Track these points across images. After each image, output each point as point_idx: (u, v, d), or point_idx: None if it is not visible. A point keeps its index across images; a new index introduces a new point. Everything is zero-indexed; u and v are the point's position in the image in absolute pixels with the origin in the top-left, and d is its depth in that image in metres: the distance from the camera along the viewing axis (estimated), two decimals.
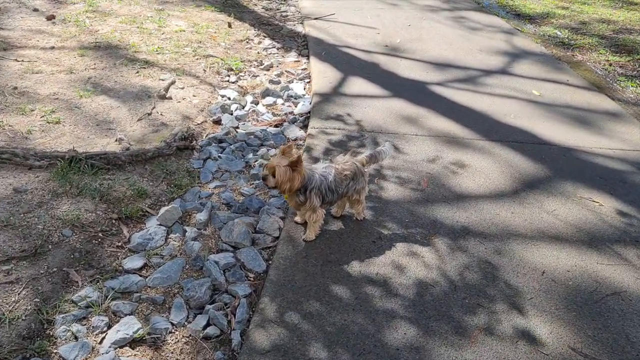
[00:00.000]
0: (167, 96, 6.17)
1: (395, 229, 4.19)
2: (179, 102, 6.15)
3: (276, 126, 5.92)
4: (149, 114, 5.73)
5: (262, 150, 5.34)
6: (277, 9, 10.42)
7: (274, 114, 6.23)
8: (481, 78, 7.46)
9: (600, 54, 8.82)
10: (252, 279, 3.75)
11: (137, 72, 6.69)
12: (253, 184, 4.86)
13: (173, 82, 6.52)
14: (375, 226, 4.22)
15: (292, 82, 7.17)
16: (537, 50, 8.82)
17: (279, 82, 7.07)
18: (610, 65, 8.33)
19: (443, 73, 7.54)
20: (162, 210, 4.17)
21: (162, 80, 6.55)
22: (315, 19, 9.73)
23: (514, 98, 6.84)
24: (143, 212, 4.26)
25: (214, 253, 3.95)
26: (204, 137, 5.54)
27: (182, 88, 6.49)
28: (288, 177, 3.62)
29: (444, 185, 4.84)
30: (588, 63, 8.47)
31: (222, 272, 3.74)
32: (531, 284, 3.72)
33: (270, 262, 3.88)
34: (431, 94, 6.82)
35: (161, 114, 5.79)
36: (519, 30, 9.92)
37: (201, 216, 4.25)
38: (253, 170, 5.00)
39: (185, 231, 4.14)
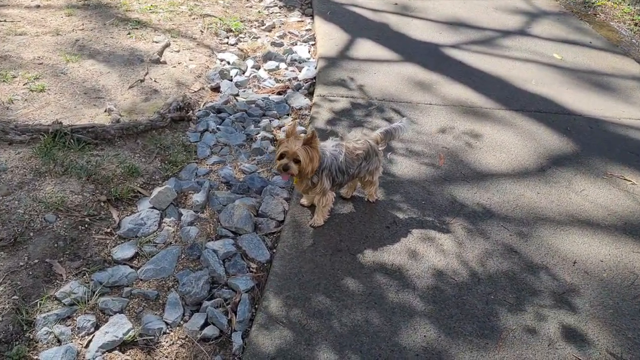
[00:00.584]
0: (161, 60, 5.72)
1: (410, 212, 3.83)
2: (174, 67, 5.70)
3: (279, 93, 5.49)
4: (142, 81, 5.30)
5: (264, 121, 4.93)
6: None
7: (276, 80, 5.78)
8: (498, 39, 6.96)
9: (625, 12, 8.25)
10: (254, 270, 3.41)
11: (129, 34, 6.21)
12: (254, 159, 4.47)
13: (167, 45, 6.05)
14: (389, 209, 3.85)
15: (296, 44, 6.69)
16: (555, 9, 8.27)
17: (281, 45, 6.59)
18: (636, 25, 7.80)
19: (457, 34, 7.04)
20: (155, 191, 3.80)
21: (156, 42, 6.08)
22: None
23: (534, 62, 6.36)
24: (135, 193, 3.89)
25: (212, 240, 3.60)
26: (201, 107, 5.12)
27: (178, 51, 6.03)
28: (310, 158, 3.25)
29: (462, 161, 4.45)
30: (612, 23, 7.93)
31: (221, 262, 3.40)
32: (562, 277, 3.37)
33: (274, 250, 3.54)
34: (445, 58, 6.35)
35: (155, 81, 5.35)
36: None
37: (198, 197, 3.88)
38: (254, 144, 4.60)
39: (181, 214, 3.78)
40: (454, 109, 5.21)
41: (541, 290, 3.26)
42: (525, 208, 3.95)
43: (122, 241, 3.52)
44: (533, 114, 5.21)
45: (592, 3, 8.61)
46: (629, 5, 8.52)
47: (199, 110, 5.01)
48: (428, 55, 6.35)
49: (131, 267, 3.33)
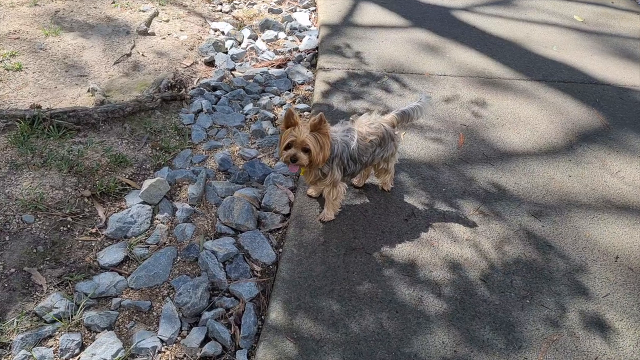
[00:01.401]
0: (149, 31, 5.24)
1: (430, 201, 3.44)
2: (164, 38, 5.22)
3: (279, 67, 5.03)
4: (128, 55, 4.83)
5: (265, 98, 4.49)
6: None
7: (276, 52, 5.31)
8: (513, 0, 6.45)
9: None
10: (259, 274, 3.04)
11: (113, 2, 5.70)
12: (254, 142, 4.05)
13: (156, 14, 5.56)
14: (407, 198, 3.46)
15: (295, 10, 6.18)
16: None
17: (280, 12, 6.08)
18: None
19: None
20: (146, 184, 3.39)
21: (143, 11, 5.58)
22: None
23: (554, 25, 5.88)
24: (123, 186, 3.50)
25: (210, 239, 3.22)
26: (194, 84, 4.67)
27: (167, 21, 5.53)
28: (321, 146, 2.86)
29: (484, 140, 4.04)
30: None
31: (221, 265, 3.03)
32: (604, 275, 3.01)
33: (280, 250, 3.16)
34: (458, 23, 5.86)
35: (142, 55, 4.89)
36: None
37: (194, 189, 3.48)
38: (254, 125, 4.18)
39: (176, 209, 3.39)
40: (470, 80, 4.77)
41: (581, 291, 2.90)
42: (556, 194, 3.56)
43: (110, 243, 3.14)
44: (557, 85, 4.77)
45: None
46: None
47: (193, 89, 4.56)
48: (439, 20, 5.86)
49: (120, 273, 2.96)
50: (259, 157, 3.89)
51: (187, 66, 4.89)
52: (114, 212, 3.31)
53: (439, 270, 2.98)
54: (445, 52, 5.20)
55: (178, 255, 3.10)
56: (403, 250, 3.09)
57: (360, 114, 3.25)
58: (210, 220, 3.35)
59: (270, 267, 3.08)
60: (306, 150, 2.84)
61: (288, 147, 2.86)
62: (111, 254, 3.04)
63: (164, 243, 3.18)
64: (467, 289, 2.87)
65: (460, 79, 4.76)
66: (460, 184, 3.61)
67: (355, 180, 3.50)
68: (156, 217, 3.33)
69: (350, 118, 3.22)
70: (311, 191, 3.45)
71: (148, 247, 3.14)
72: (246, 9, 6.11)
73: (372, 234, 3.19)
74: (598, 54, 5.32)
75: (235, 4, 6.20)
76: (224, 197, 3.46)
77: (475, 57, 5.12)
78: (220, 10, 6.02)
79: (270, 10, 6.05)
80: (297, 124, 2.81)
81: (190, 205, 3.44)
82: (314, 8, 6.25)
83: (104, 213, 3.30)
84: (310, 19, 5.98)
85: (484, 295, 2.84)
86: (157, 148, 3.85)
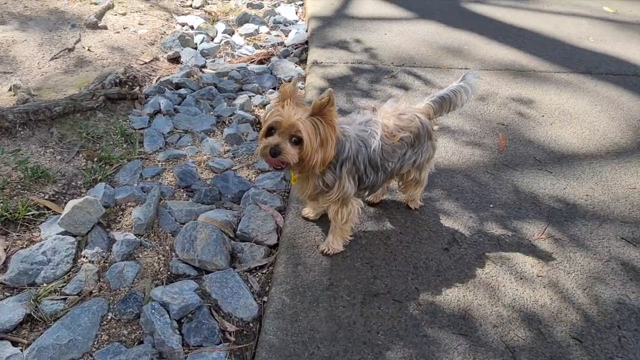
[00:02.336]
0: (99, 25, 4.24)
1: (476, 223, 2.44)
2: (118, 32, 4.23)
3: (260, 62, 4.06)
4: (70, 50, 3.83)
5: (242, 97, 3.50)
6: None
7: (256, 46, 4.34)
8: None
9: None
10: (232, 337, 1.98)
11: None
12: (229, 151, 3.04)
13: (110, 7, 4.58)
14: (443, 219, 2.46)
15: (279, 5, 5.25)
16: None
17: (261, 7, 5.15)
18: None
19: None
20: (69, 206, 2.34)
21: (95, 4, 4.60)
22: None
23: (584, 17, 5.01)
24: (39, 210, 2.44)
25: (161, 283, 2.17)
26: (153, 82, 3.67)
27: (124, 14, 4.56)
28: (321, 138, 1.87)
29: (531, 141, 3.08)
30: None
31: (175, 325, 1.97)
32: None
33: (265, 299, 2.12)
34: (472, 14, 4.96)
35: (88, 49, 3.89)
36: None
37: (140, 212, 2.44)
38: (228, 129, 3.17)
39: (113, 242, 2.35)
40: (499, 73, 3.83)
41: None
42: None
43: (8, 294, 2.08)
44: (607, 77, 3.85)
45: None
46: None
47: (150, 87, 3.55)
48: (448, 12, 4.96)
49: (14, 343, 1.90)
50: (234, 168, 2.87)
51: (146, 63, 3.89)
52: (20, 248, 2.25)
53: (507, 325, 1.95)
54: (463, 44, 4.28)
55: (110, 310, 2.05)
56: (449, 295, 2.06)
57: (385, 103, 2.27)
58: (163, 256, 2.31)
59: (251, 325, 2.03)
60: (297, 142, 1.84)
61: (270, 131, 1.86)
62: (4, 313, 1.97)
63: (90, 292, 2.12)
64: (555, 355, 1.84)
65: (488, 73, 3.83)
66: (511, 197, 2.61)
67: (370, 196, 2.49)
68: (82, 253, 2.28)
69: (372, 106, 2.24)
70: (308, 211, 2.43)
71: (65, 298, 2.08)
72: (221, 4, 5.16)
73: (400, 272, 2.16)
74: None
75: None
76: (184, 223, 2.43)
77: (499, 49, 4.20)
78: (190, 6, 5.07)
79: (250, 5, 5.11)
80: (291, 96, 1.81)
81: (134, 235, 2.39)
82: (301, 2, 5.32)
83: (5, 249, 2.24)
84: (296, 13, 5.05)
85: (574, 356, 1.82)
86: (95, 159, 2.82)
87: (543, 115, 3.34)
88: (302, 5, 5.26)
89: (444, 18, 4.80)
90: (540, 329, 1.94)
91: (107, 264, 2.25)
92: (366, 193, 2.26)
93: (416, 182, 2.34)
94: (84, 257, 2.27)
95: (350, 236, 2.25)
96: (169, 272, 2.23)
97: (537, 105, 3.44)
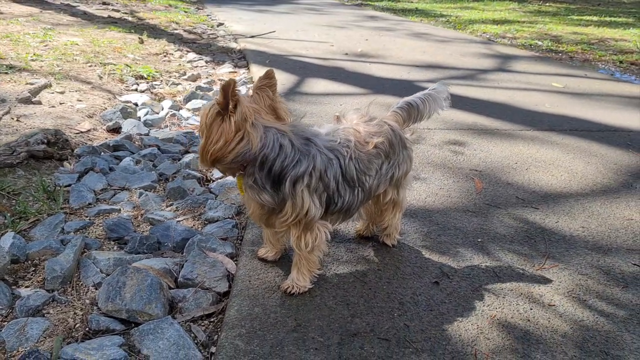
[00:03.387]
0: (33, 100, 3.91)
1: (465, 256, 2.07)
2: (53, 107, 3.90)
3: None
4: None
5: (189, 157, 3.15)
6: (203, 32, 8.45)
7: None
8: (480, 75, 5.66)
9: (600, 55, 7.30)
10: None
11: None
12: (171, 205, 2.62)
13: (47, 86, 4.29)
14: (426, 253, 2.08)
15: None
16: (525, 54, 7.24)
17: (210, 90, 4.96)
18: (622, 62, 6.79)
19: (430, 72, 5.71)
20: None
21: (32, 84, 4.29)
22: (252, 37, 7.83)
23: (535, 90, 5.03)
24: None
25: (76, 341, 1.66)
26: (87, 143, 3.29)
27: (62, 92, 4.26)
28: (223, 130, 1.60)
29: (510, 184, 2.81)
30: (594, 62, 6.90)
31: None
32: None
33: (213, 350, 1.63)
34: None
35: (17, 120, 3.52)
36: (493, 40, 8.42)
37: (55, 263, 1.96)
38: (171, 183, 2.77)
39: (18, 297, 1.84)
40: (463, 132, 3.66)
41: None
42: None
43: None
44: (572, 132, 3.73)
45: (559, 51, 7.67)
46: (601, 50, 7.65)
47: (81, 147, 3.16)
48: (402, 89, 4.90)
49: None
50: (177, 219, 2.44)
51: (81, 132, 3.53)
52: None
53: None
54: None
55: None
56: (448, 331, 1.64)
57: (348, 113, 1.99)
58: (81, 310, 1.80)
59: None
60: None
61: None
62: None
63: None
64: None
65: (451, 132, 3.65)
66: (500, 231, 2.28)
67: (360, 225, 2.12)
68: None
69: (335, 115, 1.95)
70: (265, 251, 2.02)
71: None
72: (169, 88, 4.96)
73: (383, 308, 1.73)
74: (599, 108, 4.42)
75: (155, 84, 5.04)
76: (109, 275, 1.95)
77: (459, 113, 4.08)
78: (136, 90, 4.83)
79: (199, 88, 4.91)
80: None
81: (47, 290, 1.89)
82: (252, 85, 5.18)
83: None
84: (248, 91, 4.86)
85: None
86: (8, 214, 2.34)
87: (517, 162, 3.11)
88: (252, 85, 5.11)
89: (399, 93, 4.71)
90: None
91: (5, 323, 1.73)
92: (339, 219, 1.87)
93: (394, 205, 1.98)
94: None
95: (318, 270, 1.82)
96: (86, 329, 1.72)
97: (508, 155, 3.23)
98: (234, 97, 1.55)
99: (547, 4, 14.68)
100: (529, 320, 1.71)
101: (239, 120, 1.56)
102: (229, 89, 1.53)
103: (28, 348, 1.61)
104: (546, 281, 1.93)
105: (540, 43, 8.23)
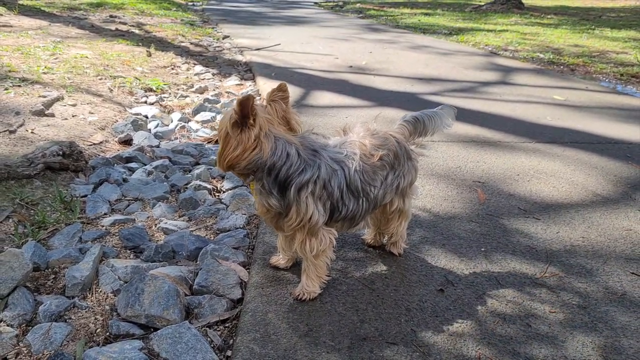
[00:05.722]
0: (46, 112, 4.02)
1: (469, 264, 2.15)
2: (66, 119, 4.00)
3: (217, 142, 3.84)
4: (12, 132, 3.55)
5: (200, 168, 3.24)
6: (209, 45, 8.59)
7: (213, 128, 4.18)
8: (483, 88, 5.75)
9: (601, 68, 7.39)
10: None
11: (7, 90, 4.52)
12: (184, 215, 2.71)
13: (60, 99, 4.40)
14: (431, 260, 2.16)
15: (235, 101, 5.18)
16: (527, 66, 7.34)
17: (218, 102, 5.06)
18: (622, 75, 6.89)
19: (433, 85, 5.80)
20: None
21: (44, 97, 4.40)
22: (258, 49, 7.96)
23: (537, 103, 5.12)
24: None
25: (98, 344, 1.74)
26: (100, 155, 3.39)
27: (74, 105, 4.36)
28: (241, 140, 1.72)
29: (512, 195, 2.89)
30: (595, 75, 7.00)
31: None
32: None
33: (229, 354, 1.71)
34: (429, 103, 5.00)
35: (32, 132, 3.62)
36: (495, 53, 8.53)
37: (77, 271, 2.04)
38: (184, 194, 2.86)
39: (39, 304, 1.92)
40: (466, 144, 3.74)
41: None
42: None
43: None
44: (573, 145, 3.81)
45: (561, 63, 7.77)
46: (601, 62, 7.75)
47: (96, 159, 3.26)
48: (406, 101, 5.00)
49: None
50: (190, 229, 2.53)
51: (94, 144, 3.63)
52: None
53: None
54: None
55: None
56: (454, 335, 1.72)
57: (354, 128, 2.08)
58: (101, 316, 1.88)
59: None
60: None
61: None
62: None
63: (4, 359, 1.66)
64: None
65: (454, 144, 3.73)
66: (502, 241, 2.36)
67: (367, 234, 2.20)
68: (1, 316, 1.83)
69: (342, 128, 2.04)
70: (277, 259, 2.10)
71: None
72: (177, 100, 5.06)
73: (390, 314, 1.81)
74: (600, 121, 4.50)
75: (164, 97, 5.15)
76: (127, 282, 2.04)
77: (462, 126, 4.16)
78: (145, 102, 4.94)
79: (207, 100, 5.02)
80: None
81: (68, 297, 1.98)
82: (259, 97, 5.28)
83: None
84: None
85: None
86: (27, 223, 2.44)
87: (519, 174, 3.19)
88: (260, 99, 5.21)
89: (403, 105, 4.81)
90: None
91: (30, 327, 1.81)
92: (344, 227, 1.96)
93: (400, 214, 2.06)
94: (1, 320, 1.82)
95: (327, 276, 1.90)
96: (107, 333, 1.80)
97: (510, 167, 3.31)
98: (252, 112, 1.64)
99: (549, 17, 14.81)
100: (530, 327, 1.78)
101: (257, 132, 1.66)
102: (248, 103, 1.62)
103: (53, 351, 1.69)
104: (548, 290, 2.00)
105: (541, 56, 8.34)
